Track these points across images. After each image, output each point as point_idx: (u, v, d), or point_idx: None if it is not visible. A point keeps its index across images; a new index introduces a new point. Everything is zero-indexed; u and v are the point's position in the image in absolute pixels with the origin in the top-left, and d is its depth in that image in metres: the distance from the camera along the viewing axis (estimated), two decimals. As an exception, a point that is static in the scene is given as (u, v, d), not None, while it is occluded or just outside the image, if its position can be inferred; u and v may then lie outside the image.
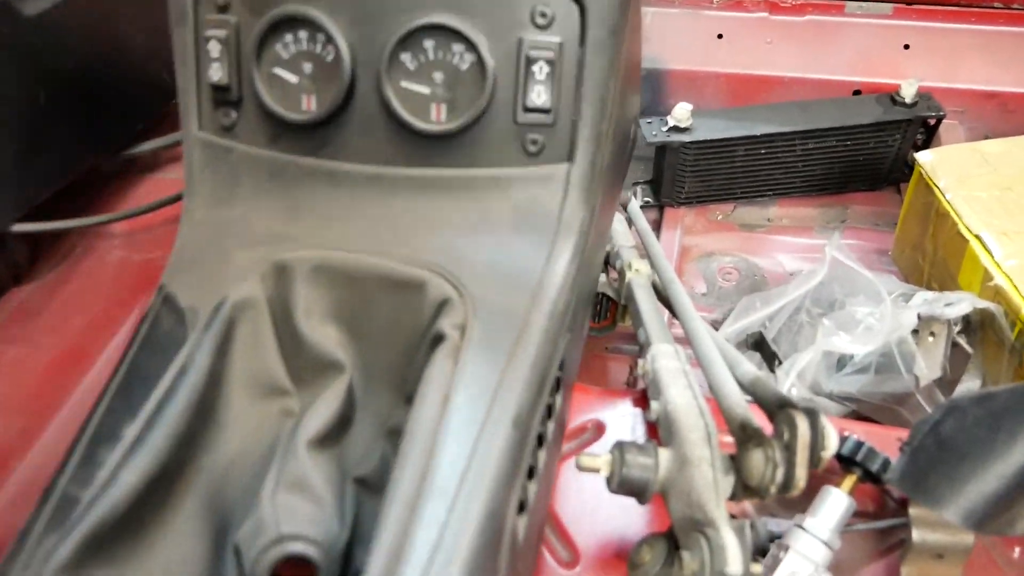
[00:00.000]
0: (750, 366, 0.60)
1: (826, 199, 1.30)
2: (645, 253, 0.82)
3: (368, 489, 0.46)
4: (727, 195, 1.28)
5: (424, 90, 0.49)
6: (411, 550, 0.35)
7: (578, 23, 0.48)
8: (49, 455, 0.62)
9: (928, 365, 0.80)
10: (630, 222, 0.90)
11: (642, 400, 0.68)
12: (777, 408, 0.52)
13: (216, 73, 0.50)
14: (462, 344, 0.44)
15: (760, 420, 0.49)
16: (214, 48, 0.50)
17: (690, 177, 1.23)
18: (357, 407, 0.48)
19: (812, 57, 1.30)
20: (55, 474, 0.41)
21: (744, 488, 0.48)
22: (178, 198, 0.78)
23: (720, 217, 1.31)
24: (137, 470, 0.39)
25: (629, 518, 0.60)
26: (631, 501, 0.50)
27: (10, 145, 0.62)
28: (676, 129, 1.18)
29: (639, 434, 0.66)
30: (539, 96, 0.48)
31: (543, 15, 0.48)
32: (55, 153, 0.67)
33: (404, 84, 0.49)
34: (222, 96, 0.51)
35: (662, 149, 1.20)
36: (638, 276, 0.80)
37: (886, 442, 0.59)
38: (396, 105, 0.48)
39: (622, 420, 0.66)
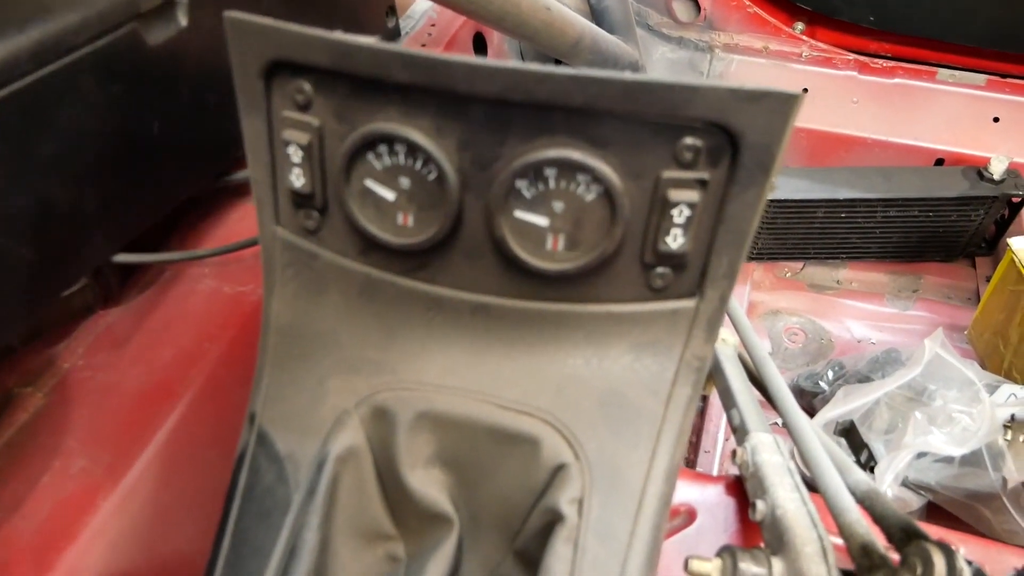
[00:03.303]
0: (861, 474, 0.58)
1: (898, 266, 1.28)
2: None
3: None
4: (800, 254, 1.26)
5: (541, 222, 0.41)
6: None
7: (728, 157, 0.39)
8: (135, 494, 0.60)
9: (1017, 467, 0.78)
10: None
11: (735, 488, 0.66)
12: (902, 534, 0.50)
13: (298, 180, 0.44)
14: (580, 524, 0.41)
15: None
16: (295, 153, 0.43)
17: (766, 233, 1.21)
18: (464, 551, 0.46)
19: (898, 121, 1.28)
20: None
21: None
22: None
23: (789, 275, 1.28)
24: None
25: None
26: None
27: (121, 177, 0.61)
28: (757, 186, 1.16)
29: (731, 525, 0.64)
30: (675, 240, 0.41)
31: (688, 150, 0.39)
32: (162, 183, 0.66)
33: (518, 214, 0.41)
34: (304, 201, 0.45)
35: (740, 204, 1.17)
36: (724, 347, 0.78)
37: (997, 560, 0.57)
38: (509, 241, 0.42)
39: (714, 508, 0.64)
